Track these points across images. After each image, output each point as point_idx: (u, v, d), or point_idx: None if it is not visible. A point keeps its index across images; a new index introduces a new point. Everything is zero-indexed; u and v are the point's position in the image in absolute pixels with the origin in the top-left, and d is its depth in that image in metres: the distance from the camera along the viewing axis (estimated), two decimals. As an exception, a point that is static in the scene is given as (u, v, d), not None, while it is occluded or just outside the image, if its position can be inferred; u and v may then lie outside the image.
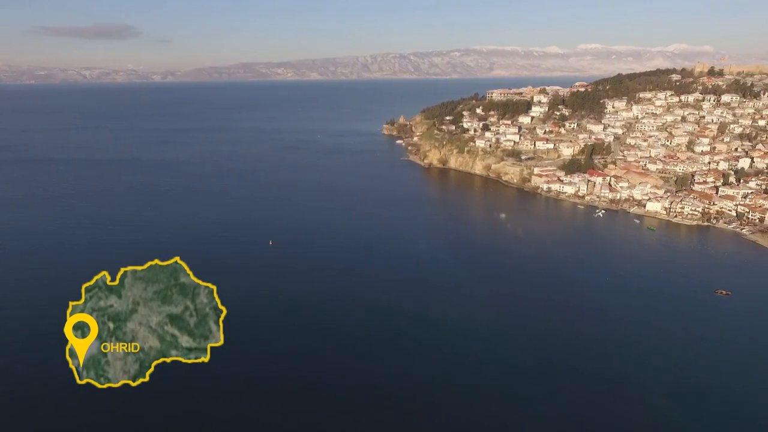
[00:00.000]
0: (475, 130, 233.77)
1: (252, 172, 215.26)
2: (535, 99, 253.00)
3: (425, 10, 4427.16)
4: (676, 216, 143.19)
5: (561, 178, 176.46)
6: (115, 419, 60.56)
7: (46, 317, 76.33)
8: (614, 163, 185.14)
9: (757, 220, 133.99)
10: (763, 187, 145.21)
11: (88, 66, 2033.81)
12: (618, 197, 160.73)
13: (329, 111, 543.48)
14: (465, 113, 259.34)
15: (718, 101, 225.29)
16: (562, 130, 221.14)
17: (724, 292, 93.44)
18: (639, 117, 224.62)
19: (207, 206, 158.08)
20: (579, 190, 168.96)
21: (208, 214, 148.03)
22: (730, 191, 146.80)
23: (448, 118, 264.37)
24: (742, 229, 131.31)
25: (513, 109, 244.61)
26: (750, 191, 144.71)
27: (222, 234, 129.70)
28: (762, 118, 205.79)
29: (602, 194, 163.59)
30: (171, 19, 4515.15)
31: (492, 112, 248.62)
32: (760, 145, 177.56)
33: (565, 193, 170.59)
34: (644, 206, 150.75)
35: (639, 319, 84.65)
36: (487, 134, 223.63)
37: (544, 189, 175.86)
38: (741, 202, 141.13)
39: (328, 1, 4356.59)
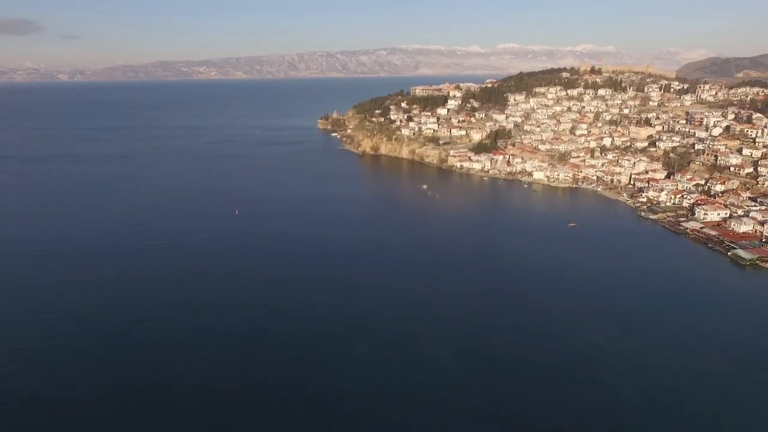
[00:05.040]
0: (401, 121, 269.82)
1: (193, 161, 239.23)
2: (451, 94, 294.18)
3: (351, 9, 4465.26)
4: (554, 181, 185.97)
5: (471, 158, 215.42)
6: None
7: None
8: (513, 144, 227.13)
9: (609, 181, 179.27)
10: (617, 158, 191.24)
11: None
12: (514, 170, 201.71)
13: (261, 108, 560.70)
14: (392, 107, 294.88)
15: (596, 94, 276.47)
16: (473, 119, 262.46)
17: (573, 225, 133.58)
18: (535, 108, 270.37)
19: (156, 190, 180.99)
20: (485, 166, 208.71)
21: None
22: (593, 162, 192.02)
23: (377, 111, 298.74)
24: (598, 188, 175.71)
25: (432, 102, 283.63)
26: (606, 161, 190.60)
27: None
28: (626, 107, 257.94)
29: (502, 168, 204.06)
30: (78, 14, 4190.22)
31: (415, 106, 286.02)
32: (620, 128, 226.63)
33: (474, 168, 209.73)
34: (532, 175, 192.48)
35: (509, 236, 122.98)
36: (411, 124, 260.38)
37: (458, 166, 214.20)
38: (600, 169, 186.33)
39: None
